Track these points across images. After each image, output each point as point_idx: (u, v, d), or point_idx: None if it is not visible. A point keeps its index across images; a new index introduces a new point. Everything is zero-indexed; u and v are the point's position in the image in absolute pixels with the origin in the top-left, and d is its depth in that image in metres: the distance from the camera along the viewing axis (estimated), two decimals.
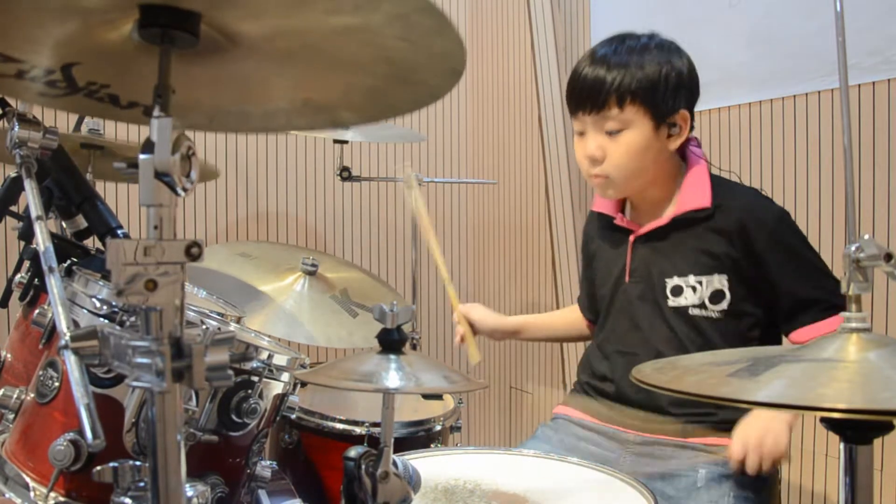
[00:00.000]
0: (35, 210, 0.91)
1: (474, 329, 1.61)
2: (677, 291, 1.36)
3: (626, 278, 1.43)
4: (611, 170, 1.36)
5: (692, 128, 1.38)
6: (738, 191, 1.39)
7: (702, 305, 1.34)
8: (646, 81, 1.31)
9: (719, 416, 1.32)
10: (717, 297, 1.33)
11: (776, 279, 1.31)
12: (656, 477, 1.27)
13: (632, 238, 1.43)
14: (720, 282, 1.33)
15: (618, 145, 1.34)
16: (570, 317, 1.71)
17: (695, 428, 1.34)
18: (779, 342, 1.40)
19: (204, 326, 1.05)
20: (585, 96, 1.35)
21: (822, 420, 0.70)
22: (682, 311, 1.35)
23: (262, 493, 1.18)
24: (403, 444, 1.57)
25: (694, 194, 1.36)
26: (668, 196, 1.41)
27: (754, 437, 1.19)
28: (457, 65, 0.68)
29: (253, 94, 0.81)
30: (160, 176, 0.60)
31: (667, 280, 1.37)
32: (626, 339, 1.43)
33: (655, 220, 1.40)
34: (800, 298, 1.30)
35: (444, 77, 0.71)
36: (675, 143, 1.36)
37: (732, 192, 1.37)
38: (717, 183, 1.38)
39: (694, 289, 1.35)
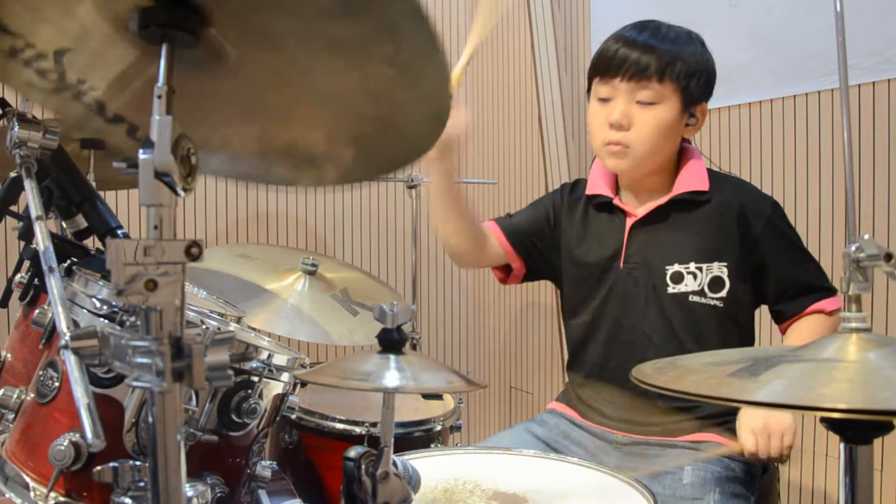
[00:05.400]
0: (35, 210, 0.90)
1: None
2: (678, 278, 1.37)
3: (621, 264, 1.42)
4: (634, 139, 1.35)
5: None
6: (733, 181, 1.46)
7: (701, 293, 1.35)
8: (689, 65, 1.33)
9: (705, 407, 1.34)
10: (716, 285, 1.35)
11: (770, 264, 1.35)
12: (642, 475, 1.28)
13: (630, 223, 1.42)
14: (720, 269, 1.35)
15: (647, 117, 1.34)
16: (482, 231, 1.66)
17: (680, 426, 1.35)
18: (751, 330, 1.43)
19: (204, 326, 1.05)
20: (630, 62, 1.33)
21: (822, 420, 0.70)
22: (680, 298, 1.36)
23: (262, 493, 1.18)
24: (403, 444, 1.57)
25: (692, 178, 1.40)
26: (665, 185, 1.42)
27: (759, 423, 1.21)
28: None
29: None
30: (160, 176, 0.60)
31: (667, 267, 1.37)
32: (618, 325, 1.43)
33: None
34: (793, 283, 1.35)
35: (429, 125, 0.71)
36: (689, 133, 1.40)
37: (727, 182, 1.43)
38: (713, 174, 1.42)
39: (694, 275, 1.36)
